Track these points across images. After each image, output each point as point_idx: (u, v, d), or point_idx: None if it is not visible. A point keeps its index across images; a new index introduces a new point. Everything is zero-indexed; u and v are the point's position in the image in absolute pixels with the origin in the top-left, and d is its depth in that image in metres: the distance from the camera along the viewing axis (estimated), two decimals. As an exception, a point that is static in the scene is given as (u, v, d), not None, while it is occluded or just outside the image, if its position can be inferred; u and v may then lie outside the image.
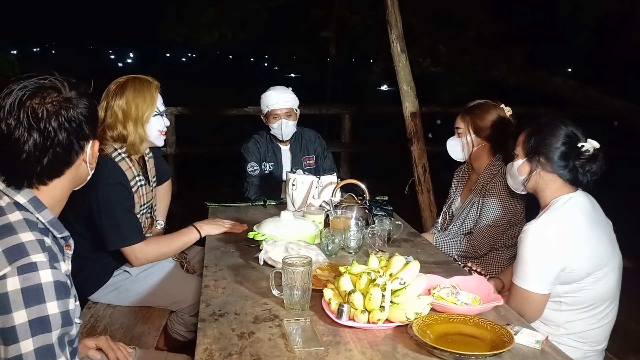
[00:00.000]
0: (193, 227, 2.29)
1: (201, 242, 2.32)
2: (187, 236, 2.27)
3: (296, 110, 3.13)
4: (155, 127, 2.21)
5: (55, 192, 1.26)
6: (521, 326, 1.51)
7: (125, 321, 2.16)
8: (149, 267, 2.26)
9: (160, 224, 2.56)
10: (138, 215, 2.24)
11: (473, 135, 2.48)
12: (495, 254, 2.44)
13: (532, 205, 2.11)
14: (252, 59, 38.95)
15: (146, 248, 2.13)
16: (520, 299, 1.79)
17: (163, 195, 2.60)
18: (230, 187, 3.37)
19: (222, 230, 2.33)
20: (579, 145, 1.81)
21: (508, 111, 2.46)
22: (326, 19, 8.11)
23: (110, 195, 2.04)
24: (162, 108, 2.23)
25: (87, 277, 2.22)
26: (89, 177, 1.36)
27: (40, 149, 1.18)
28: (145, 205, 2.30)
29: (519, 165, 1.93)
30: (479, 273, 2.18)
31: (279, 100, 3.06)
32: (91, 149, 1.29)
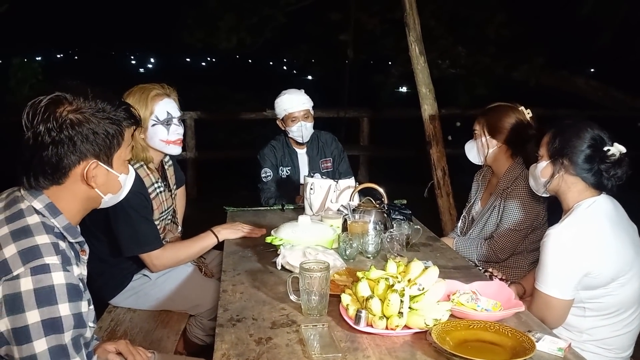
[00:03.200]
0: (211, 231, 2.30)
1: (220, 246, 2.32)
2: (205, 241, 2.28)
3: (312, 111, 3.13)
4: (156, 137, 2.20)
5: (66, 202, 1.28)
6: (543, 333, 1.48)
7: (145, 325, 2.17)
8: (167, 272, 2.27)
9: (178, 229, 2.57)
10: (160, 221, 2.26)
11: (488, 137, 2.45)
12: (516, 259, 2.40)
13: (554, 209, 2.08)
14: (270, 63, 39.16)
15: (163, 254, 2.15)
16: (542, 305, 1.76)
17: (179, 200, 2.62)
18: (250, 191, 3.37)
19: (240, 234, 2.33)
20: (605, 149, 1.77)
21: (528, 113, 2.42)
22: (344, 23, 8.10)
23: (127, 203, 2.04)
24: (163, 116, 2.20)
25: (107, 281, 2.24)
26: (106, 201, 1.37)
27: (31, 147, 1.21)
28: (167, 211, 2.32)
29: (543, 167, 1.90)
30: (500, 279, 2.14)
31: (296, 102, 3.07)
32: (91, 170, 1.28)
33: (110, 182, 1.34)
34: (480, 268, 2.27)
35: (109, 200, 1.37)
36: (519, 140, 2.39)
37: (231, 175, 6.89)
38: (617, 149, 1.75)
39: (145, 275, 2.26)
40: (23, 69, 6.35)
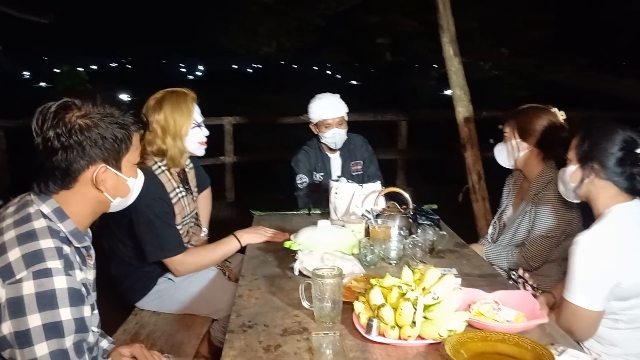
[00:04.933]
0: (233, 236, 2.30)
1: (244, 249, 2.32)
2: (227, 246, 2.28)
3: (346, 117, 3.10)
4: (194, 139, 2.23)
5: (75, 207, 1.29)
6: (566, 346, 1.40)
7: (168, 328, 2.19)
8: (191, 275, 2.28)
9: (204, 231, 2.59)
10: (182, 225, 2.27)
11: (518, 140, 2.35)
12: (549, 267, 2.30)
13: (590, 215, 1.97)
14: (315, 68, 39.34)
15: (186, 259, 2.16)
16: (570, 315, 1.67)
17: (204, 203, 2.64)
18: (286, 196, 3.36)
19: (263, 239, 2.32)
20: (638, 151, 1.67)
21: (561, 115, 2.32)
22: (381, 26, 8.04)
23: (149, 209, 2.08)
24: (199, 119, 2.25)
25: (132, 284, 2.28)
26: (115, 205, 1.38)
27: (41, 153, 1.22)
28: (189, 215, 2.34)
29: (572, 172, 1.81)
30: (532, 287, 2.05)
31: (331, 109, 3.04)
32: (100, 174, 1.29)
33: (119, 186, 1.35)
34: (514, 273, 2.18)
35: (118, 204, 1.38)
36: (551, 143, 2.28)
37: (269, 179, 6.93)
38: None
39: (169, 278, 2.27)
40: (70, 77, 6.55)
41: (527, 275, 2.16)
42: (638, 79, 6.82)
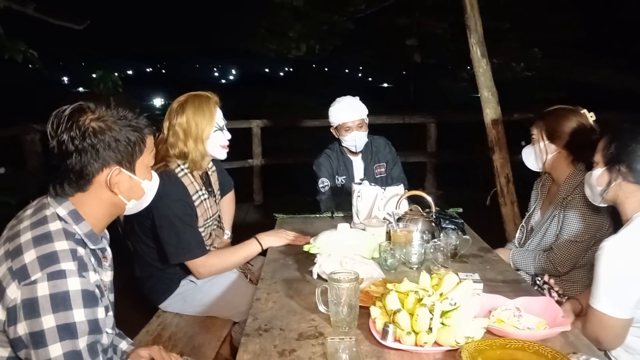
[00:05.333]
0: (255, 239, 2.31)
1: (266, 252, 2.32)
2: (249, 249, 2.28)
3: (366, 120, 3.07)
4: (216, 143, 2.25)
5: (91, 209, 1.31)
6: (590, 355, 1.35)
7: (189, 330, 2.20)
8: (213, 278, 2.29)
9: (227, 234, 2.60)
10: (205, 228, 2.29)
11: (547, 142, 2.29)
12: (578, 272, 2.23)
13: (621, 219, 1.90)
14: (346, 70, 39.35)
15: (208, 261, 2.18)
16: (596, 323, 1.61)
17: (227, 206, 2.65)
18: (312, 199, 3.36)
19: (284, 242, 2.32)
20: None
21: (591, 117, 2.25)
22: (410, 27, 7.97)
23: (172, 212, 2.10)
24: (221, 123, 2.26)
25: (155, 286, 2.30)
26: (129, 207, 1.40)
27: (56, 156, 1.24)
28: (211, 218, 2.35)
29: (598, 175, 1.75)
30: (558, 294, 1.99)
31: (350, 112, 3.02)
32: (114, 176, 1.31)
33: (133, 188, 1.36)
34: (540, 278, 2.12)
35: (132, 206, 1.40)
36: (581, 145, 2.21)
37: (297, 182, 6.94)
38: None
39: (191, 281, 2.29)
40: (105, 82, 6.70)
41: (552, 281, 2.10)
42: None
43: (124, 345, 1.63)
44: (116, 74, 6.88)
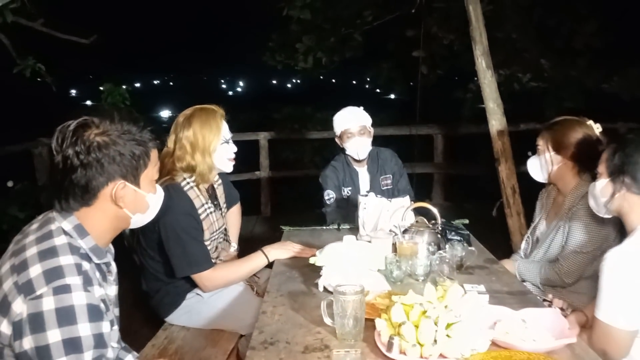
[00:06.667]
0: (261, 251, 2.31)
1: (273, 265, 2.33)
2: (255, 261, 2.29)
3: (369, 128, 3.09)
4: (223, 156, 2.27)
5: (95, 223, 1.32)
6: (596, 368, 1.34)
7: (196, 344, 2.21)
8: (219, 290, 2.30)
9: (234, 246, 2.61)
10: (211, 241, 2.30)
11: (552, 153, 2.30)
12: (583, 284, 2.22)
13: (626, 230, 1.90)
14: (354, 82, 39.49)
15: (214, 275, 2.19)
16: (601, 335, 1.60)
17: (233, 218, 2.66)
18: (319, 211, 3.37)
19: (290, 254, 2.32)
20: None
21: (597, 128, 2.25)
22: (418, 39, 7.98)
23: (178, 225, 2.12)
24: (228, 136, 2.28)
25: (162, 299, 2.31)
26: (135, 221, 1.41)
27: (61, 171, 1.26)
28: (218, 231, 2.36)
29: (602, 186, 1.75)
30: (560, 308, 1.98)
31: (351, 119, 3.05)
32: (119, 190, 1.32)
33: (138, 202, 1.38)
34: (542, 290, 2.11)
35: (137, 220, 1.41)
36: (587, 156, 2.21)
37: (304, 194, 6.95)
38: None
39: (198, 294, 2.30)
40: (112, 95, 6.76)
41: (555, 300, 2.10)
42: None
43: (129, 359, 1.64)
44: (124, 86, 6.94)
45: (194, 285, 2.27)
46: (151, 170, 1.39)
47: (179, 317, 2.32)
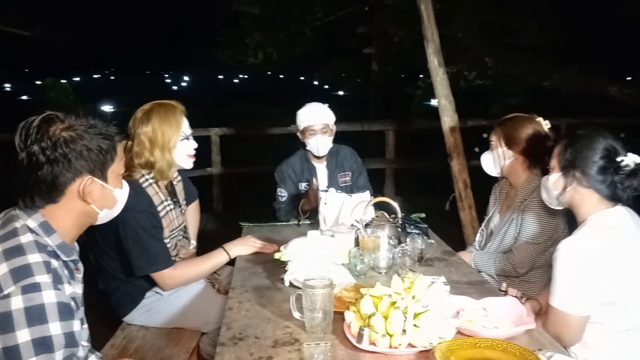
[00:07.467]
0: (222, 248, 2.30)
1: (233, 262, 2.31)
2: (216, 258, 2.28)
3: (332, 126, 3.11)
4: (183, 152, 2.24)
5: (62, 220, 1.29)
6: (554, 351, 1.42)
7: (156, 343, 2.17)
8: (179, 289, 2.26)
9: (193, 244, 2.58)
10: (170, 239, 2.27)
11: (504, 148, 2.39)
12: (536, 273, 2.32)
13: (576, 221, 2.00)
14: (302, 78, 39.50)
15: (174, 273, 2.16)
16: (556, 321, 1.69)
17: (192, 216, 2.63)
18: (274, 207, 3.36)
19: (252, 250, 2.32)
20: (619, 159, 1.70)
21: (546, 124, 2.36)
22: (369, 36, 8.09)
23: (136, 223, 2.07)
24: (188, 132, 2.25)
25: (120, 298, 2.26)
26: (102, 217, 1.39)
27: (26, 168, 1.23)
28: (177, 229, 2.33)
29: (554, 180, 1.84)
30: (515, 296, 2.07)
31: (315, 116, 3.05)
32: (87, 186, 1.30)
33: (106, 197, 1.35)
34: (497, 281, 2.20)
35: (104, 215, 1.38)
36: (537, 151, 2.32)
37: (257, 190, 6.91)
38: (631, 160, 1.68)
39: (157, 292, 2.26)
40: (55, 90, 6.51)
41: (510, 289, 2.19)
42: (626, 85, 6.89)
43: (93, 359, 1.60)
44: (63, 81, 6.70)
45: (153, 283, 2.23)
46: (117, 165, 1.37)
47: (138, 316, 2.28)
